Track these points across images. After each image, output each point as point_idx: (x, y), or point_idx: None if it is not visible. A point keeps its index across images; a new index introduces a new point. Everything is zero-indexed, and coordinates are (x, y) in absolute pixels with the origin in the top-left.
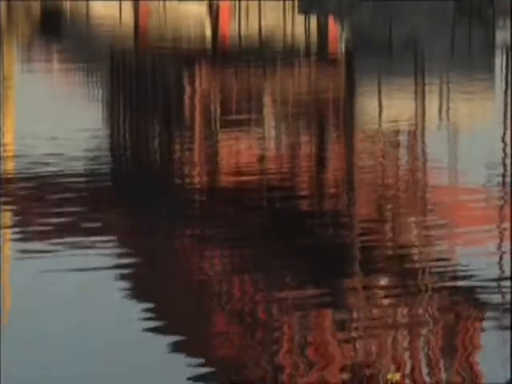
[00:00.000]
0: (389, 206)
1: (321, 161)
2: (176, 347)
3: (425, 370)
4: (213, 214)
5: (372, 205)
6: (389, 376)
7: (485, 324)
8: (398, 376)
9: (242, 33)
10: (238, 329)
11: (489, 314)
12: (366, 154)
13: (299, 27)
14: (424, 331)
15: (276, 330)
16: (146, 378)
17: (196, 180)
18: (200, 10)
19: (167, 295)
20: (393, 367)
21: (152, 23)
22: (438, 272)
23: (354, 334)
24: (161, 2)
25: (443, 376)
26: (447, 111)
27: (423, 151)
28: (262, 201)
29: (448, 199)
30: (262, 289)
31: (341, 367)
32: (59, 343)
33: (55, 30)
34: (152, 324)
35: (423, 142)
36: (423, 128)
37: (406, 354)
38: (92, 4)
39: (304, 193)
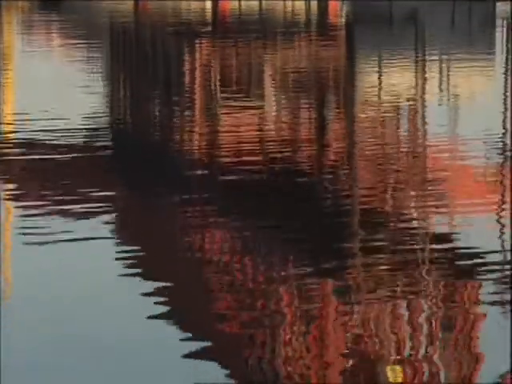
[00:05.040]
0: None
1: (322, 126)
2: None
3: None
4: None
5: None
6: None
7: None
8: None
9: (243, 9)
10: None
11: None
12: (366, 122)
13: (299, 2)
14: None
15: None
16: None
17: (198, 148)
18: None
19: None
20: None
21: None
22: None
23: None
24: None
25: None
26: (447, 81)
27: (423, 117)
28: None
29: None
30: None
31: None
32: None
33: (55, 5)
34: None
35: (423, 109)
36: (423, 97)
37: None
38: None
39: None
